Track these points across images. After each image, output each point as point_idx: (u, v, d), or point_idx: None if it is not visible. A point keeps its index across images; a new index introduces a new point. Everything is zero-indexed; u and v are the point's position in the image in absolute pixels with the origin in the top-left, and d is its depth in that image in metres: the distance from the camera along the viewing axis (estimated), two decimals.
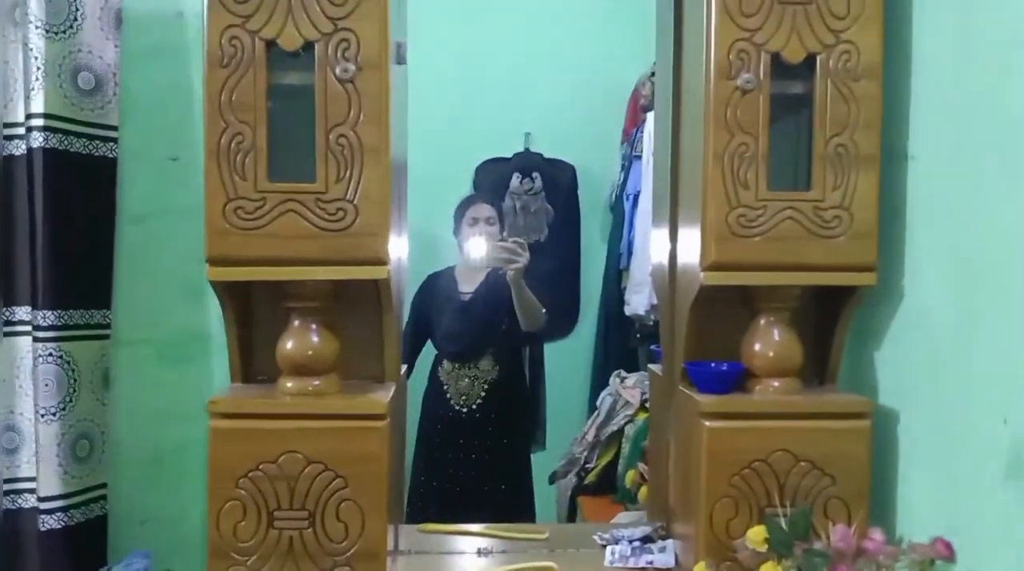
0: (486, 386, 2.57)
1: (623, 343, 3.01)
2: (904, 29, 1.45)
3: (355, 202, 1.39)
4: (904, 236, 1.46)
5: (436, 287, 2.67)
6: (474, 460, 2.58)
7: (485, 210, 2.63)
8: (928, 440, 1.41)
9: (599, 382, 2.95)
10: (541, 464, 2.74)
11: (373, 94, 1.38)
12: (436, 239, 2.91)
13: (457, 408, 2.57)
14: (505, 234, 2.61)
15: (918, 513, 1.44)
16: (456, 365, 2.58)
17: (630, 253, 2.90)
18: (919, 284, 1.44)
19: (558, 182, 3.24)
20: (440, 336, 2.63)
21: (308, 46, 1.37)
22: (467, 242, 2.56)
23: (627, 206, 2.94)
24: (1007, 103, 1.20)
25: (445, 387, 2.59)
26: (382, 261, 1.41)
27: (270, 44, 1.37)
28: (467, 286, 2.63)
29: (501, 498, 2.60)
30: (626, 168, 3.02)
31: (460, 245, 2.62)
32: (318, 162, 1.38)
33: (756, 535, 1.33)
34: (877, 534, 1.30)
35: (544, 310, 2.53)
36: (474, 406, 2.57)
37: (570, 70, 3.17)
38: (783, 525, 1.32)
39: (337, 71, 1.37)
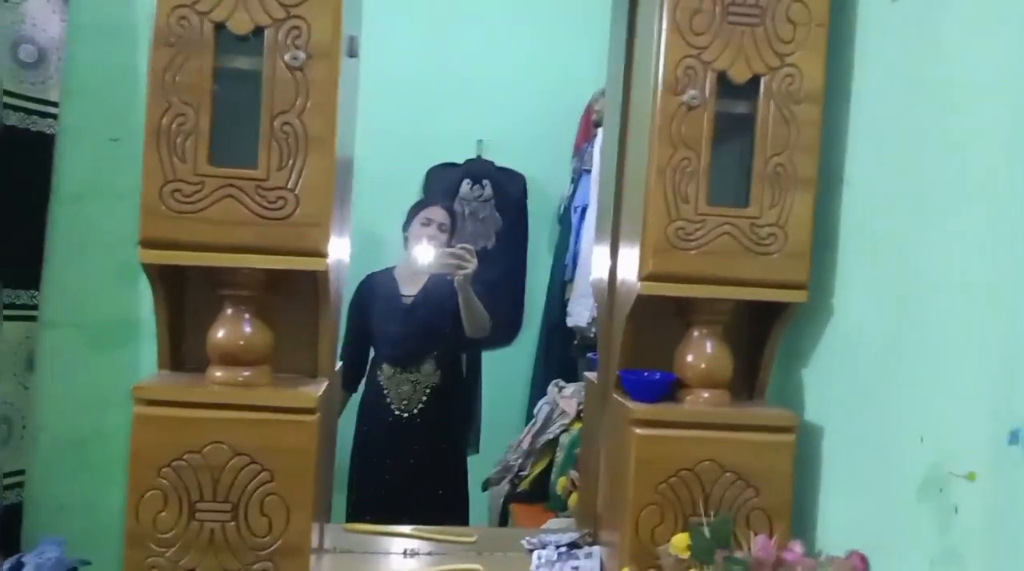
0: (428, 391, 2.56)
1: (564, 353, 3.04)
2: (846, 57, 1.50)
3: (296, 191, 1.37)
4: (836, 257, 1.51)
5: (375, 289, 2.64)
6: (412, 465, 2.56)
7: (439, 214, 2.62)
8: (849, 456, 1.45)
9: (538, 391, 2.96)
10: (476, 470, 2.73)
11: (322, 83, 1.37)
12: (379, 239, 2.90)
13: (397, 413, 2.54)
14: (454, 242, 2.61)
15: (837, 527, 1.47)
16: (397, 369, 2.56)
17: (575, 265, 2.94)
18: (848, 304, 1.48)
19: (508, 191, 3.26)
20: (380, 339, 2.60)
21: (258, 31, 1.36)
22: (415, 244, 2.54)
23: (575, 219, 2.98)
24: (941, 134, 1.25)
25: (385, 391, 2.56)
26: (321, 253, 1.40)
27: (219, 26, 1.35)
28: (409, 289, 2.61)
29: (437, 502, 2.59)
30: (575, 181, 3.06)
31: (407, 245, 2.61)
32: (261, 149, 1.36)
33: (679, 542, 1.35)
34: (797, 546, 1.33)
35: (489, 317, 2.53)
36: (415, 411, 2.55)
37: (526, 81, 3.20)
38: (706, 533, 1.34)
39: (287, 58, 1.36)
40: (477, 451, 2.81)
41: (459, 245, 2.45)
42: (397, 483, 2.56)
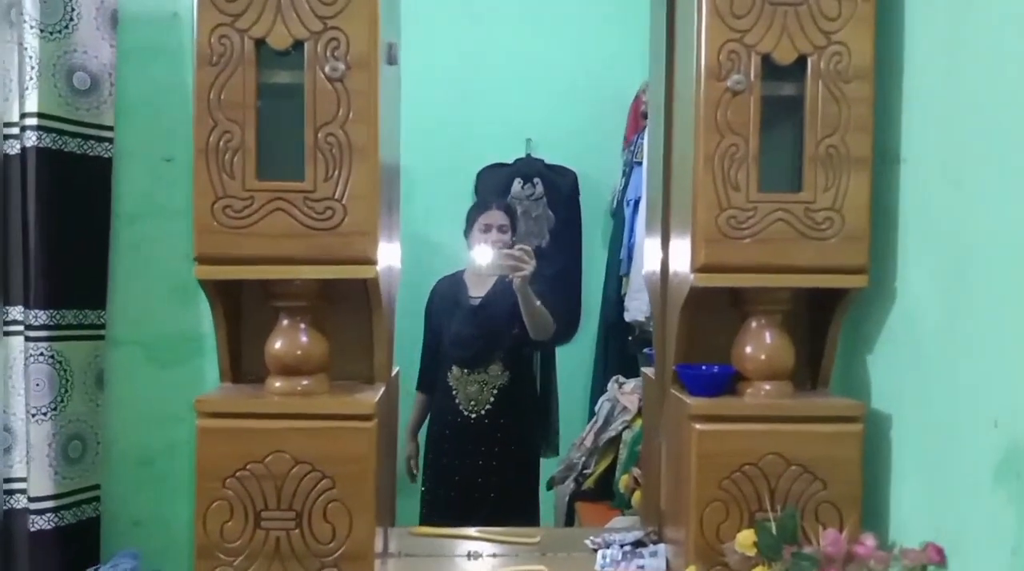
0: (495, 391, 2.56)
1: (622, 349, 3.00)
2: (896, 31, 1.45)
3: (343, 201, 1.38)
4: (896, 238, 1.45)
5: (446, 291, 2.67)
6: (481, 466, 2.57)
7: (497, 217, 2.62)
8: (920, 444, 1.40)
9: (599, 388, 2.94)
10: (546, 468, 2.72)
11: (362, 93, 1.38)
12: (436, 243, 2.91)
13: (466, 414, 2.56)
14: (515, 240, 2.61)
15: (911, 518, 1.42)
16: (465, 371, 2.57)
17: (630, 259, 2.90)
18: (910, 286, 1.43)
19: (559, 188, 3.24)
20: (449, 341, 2.62)
21: (297, 45, 1.37)
22: (475, 248, 2.55)
23: (628, 212, 2.95)
24: (998, 106, 1.19)
25: (454, 392, 2.57)
26: (370, 261, 1.41)
27: (259, 43, 1.37)
28: (477, 290, 2.62)
29: (507, 503, 2.59)
30: (627, 174, 3.02)
31: (469, 250, 2.62)
32: (307, 161, 1.38)
33: (745, 539, 1.32)
34: (869, 539, 1.28)
35: (552, 319, 2.51)
36: (483, 412, 2.55)
37: (572, 76, 3.18)
38: (772, 529, 1.31)
39: (326, 70, 1.37)
40: (557, 453, 2.79)
41: (517, 246, 2.44)
42: (467, 483, 2.57)
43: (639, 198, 2.82)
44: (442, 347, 2.64)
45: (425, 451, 2.67)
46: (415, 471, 2.72)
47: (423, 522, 2.53)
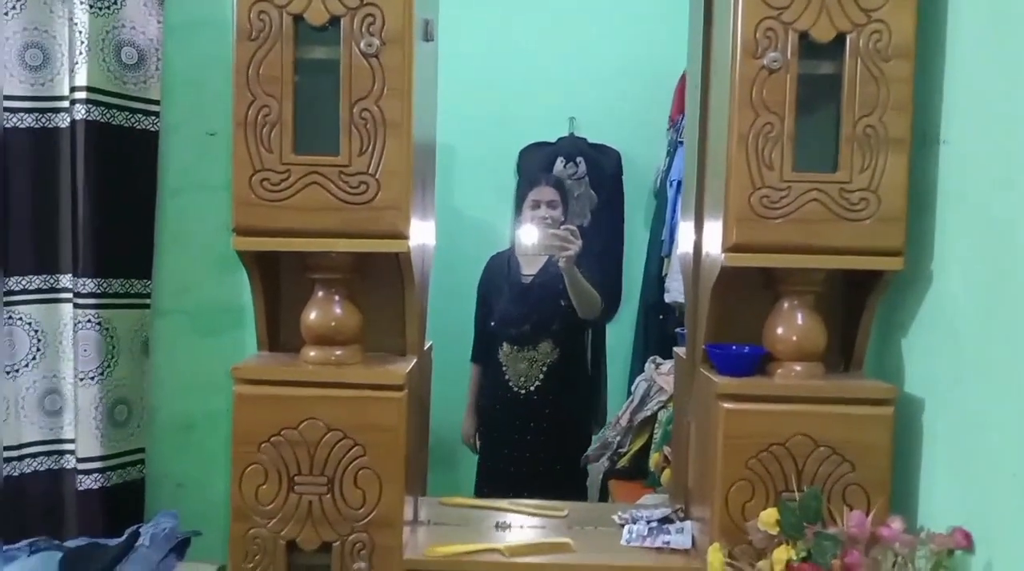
0: (544, 368, 2.58)
1: (662, 330, 3.00)
2: (938, 8, 1.41)
3: (377, 176, 1.41)
4: (934, 221, 1.43)
5: (499, 269, 2.69)
6: (530, 441, 2.60)
7: (547, 193, 2.62)
8: (952, 429, 1.38)
9: (638, 367, 2.94)
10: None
11: (396, 69, 1.39)
12: (479, 220, 2.94)
13: (515, 390, 2.58)
14: (567, 217, 2.61)
15: (941, 503, 1.41)
16: (515, 348, 2.59)
17: (672, 240, 2.88)
18: (948, 271, 1.40)
19: (602, 167, 3.22)
20: (500, 318, 2.64)
21: (334, 21, 1.40)
22: (524, 226, 2.56)
23: (671, 192, 2.92)
24: None
25: (504, 368, 2.60)
26: (403, 235, 1.43)
27: (297, 18, 1.40)
28: (529, 269, 2.64)
29: (554, 477, 2.61)
30: (671, 154, 2.99)
31: (519, 229, 2.63)
32: (342, 135, 1.41)
33: (768, 518, 1.33)
34: (896, 522, 1.28)
35: (599, 297, 2.52)
36: (532, 388, 2.58)
37: (616, 54, 3.15)
38: (795, 508, 1.31)
39: (362, 45, 1.39)
40: (605, 426, 2.81)
41: (564, 226, 2.44)
42: (517, 457, 2.61)
43: (682, 178, 2.80)
44: (494, 324, 2.67)
45: (480, 424, 2.72)
46: (475, 443, 2.76)
47: (477, 493, 2.60)
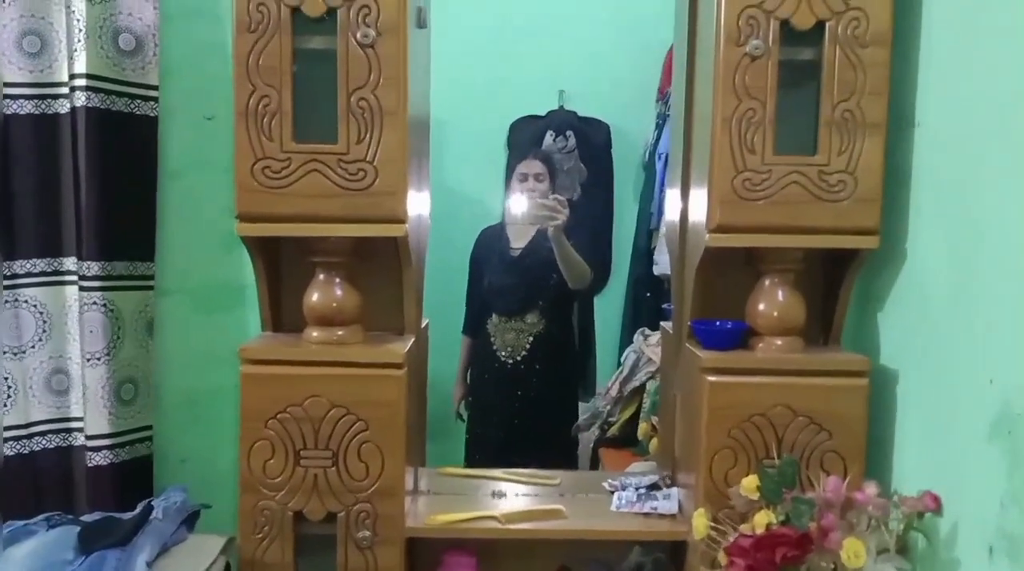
0: (531, 339, 2.63)
1: (651, 302, 3.06)
2: None
3: (375, 163, 1.46)
4: (907, 201, 1.49)
5: (489, 241, 2.74)
6: (519, 409, 2.65)
7: (535, 166, 2.66)
8: (923, 399, 1.46)
9: (627, 339, 3.00)
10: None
11: (392, 58, 1.44)
12: (469, 194, 2.97)
13: (503, 359, 2.63)
14: (555, 189, 2.66)
15: (913, 468, 1.49)
16: (503, 318, 2.64)
17: (660, 213, 2.93)
18: (920, 248, 1.47)
19: (592, 141, 3.25)
20: (490, 290, 2.69)
21: (331, 12, 1.44)
22: (512, 198, 2.61)
23: (659, 166, 2.96)
24: (1016, 71, 1.22)
25: (492, 339, 2.65)
26: (400, 219, 1.49)
27: (295, 10, 1.44)
28: (519, 242, 2.68)
29: (544, 445, 2.67)
30: (660, 127, 3.02)
31: (507, 200, 2.68)
32: (340, 124, 1.46)
33: (749, 484, 1.41)
34: (870, 487, 1.36)
35: (588, 267, 2.58)
36: (519, 358, 2.63)
37: (605, 27, 3.16)
38: (774, 475, 1.39)
39: (358, 36, 1.43)
40: (594, 396, 2.87)
41: (552, 196, 2.49)
42: (507, 426, 2.67)
43: (670, 152, 2.84)
44: (484, 295, 2.72)
45: (469, 394, 2.78)
46: (463, 412, 2.83)
47: (467, 462, 2.66)
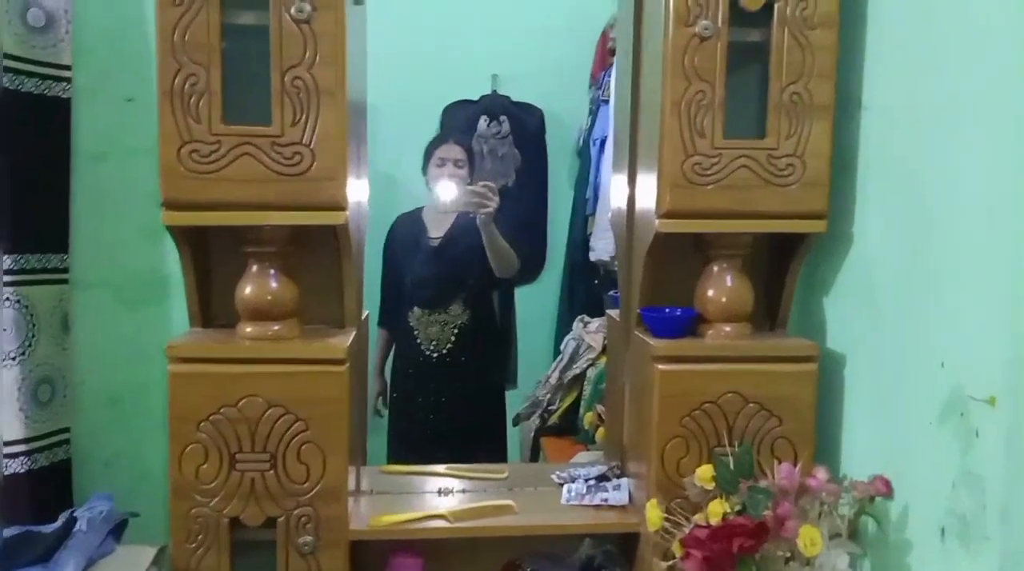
0: (456, 331, 2.58)
1: (588, 288, 3.04)
2: None
3: (312, 146, 1.38)
4: (855, 184, 1.49)
5: (405, 230, 2.65)
6: (445, 403, 2.60)
7: (455, 151, 2.58)
8: (872, 383, 1.46)
9: (564, 326, 2.98)
10: (513, 406, 2.77)
11: (329, 35, 1.36)
12: (398, 181, 2.89)
13: (428, 353, 2.57)
14: (474, 177, 2.59)
15: (862, 453, 1.49)
16: (426, 311, 2.57)
17: (596, 199, 2.91)
18: (867, 232, 1.47)
19: (526, 126, 3.21)
20: (409, 282, 2.62)
21: None
22: (435, 184, 2.53)
23: (594, 151, 2.94)
24: (963, 53, 1.22)
25: (415, 332, 2.58)
26: (340, 206, 1.41)
27: None
28: (436, 230, 2.61)
29: (473, 438, 2.63)
30: (594, 112, 3.01)
31: (429, 187, 2.60)
32: (274, 105, 1.37)
33: (704, 474, 1.39)
34: (821, 472, 1.36)
35: (516, 256, 2.53)
36: (444, 351, 2.57)
37: (538, 11, 3.12)
38: (729, 464, 1.37)
39: (292, 11, 1.35)
40: (515, 386, 2.84)
41: (481, 183, 2.43)
42: (433, 420, 2.60)
43: (605, 137, 2.81)
44: (403, 287, 2.64)
45: (390, 389, 2.70)
46: (382, 408, 2.75)
47: (391, 459, 2.58)
